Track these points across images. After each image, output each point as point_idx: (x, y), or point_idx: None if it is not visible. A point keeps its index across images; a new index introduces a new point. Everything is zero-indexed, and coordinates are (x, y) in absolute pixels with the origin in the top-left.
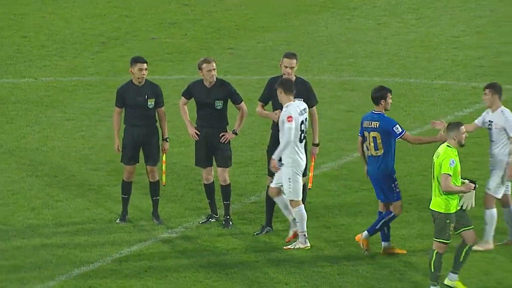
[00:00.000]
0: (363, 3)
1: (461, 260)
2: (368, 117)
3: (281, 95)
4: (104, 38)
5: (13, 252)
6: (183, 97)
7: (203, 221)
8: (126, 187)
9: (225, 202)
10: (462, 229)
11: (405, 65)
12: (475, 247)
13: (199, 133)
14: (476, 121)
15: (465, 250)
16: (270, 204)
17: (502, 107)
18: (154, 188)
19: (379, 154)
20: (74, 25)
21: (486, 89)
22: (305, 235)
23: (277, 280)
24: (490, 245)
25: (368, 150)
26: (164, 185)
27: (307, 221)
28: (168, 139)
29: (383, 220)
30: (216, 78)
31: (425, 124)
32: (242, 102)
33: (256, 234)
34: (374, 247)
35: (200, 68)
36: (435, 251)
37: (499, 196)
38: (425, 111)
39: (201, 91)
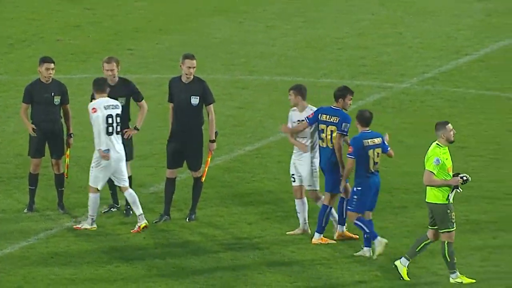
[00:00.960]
0: (253, 7)
1: (417, 250)
2: (328, 111)
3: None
4: (12, 40)
5: None
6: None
7: (105, 210)
8: (33, 179)
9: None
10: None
11: (293, 65)
12: (289, 232)
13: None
14: (289, 123)
15: (425, 243)
16: (169, 194)
17: (309, 105)
18: (59, 180)
19: (332, 147)
20: None
21: (290, 91)
22: (93, 218)
23: (174, 265)
24: (308, 231)
25: (323, 141)
26: (67, 177)
27: (207, 210)
28: (72, 135)
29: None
30: (119, 77)
31: None
32: (143, 100)
33: (155, 222)
34: (265, 233)
35: (102, 66)
36: (445, 242)
37: (316, 188)
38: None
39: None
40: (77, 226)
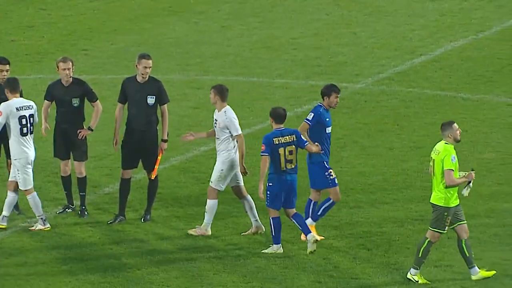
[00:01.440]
0: (208, 7)
1: (467, 255)
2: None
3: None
4: None
5: None
6: (46, 101)
7: (60, 211)
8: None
9: (81, 194)
10: (457, 224)
11: (248, 65)
12: (244, 233)
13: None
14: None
15: (463, 244)
16: (124, 195)
17: (227, 107)
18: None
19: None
20: None
21: (211, 89)
22: (42, 218)
23: (129, 266)
24: (208, 232)
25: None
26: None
27: (162, 210)
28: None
29: (323, 206)
30: (73, 77)
31: (267, 119)
32: (98, 101)
33: (110, 223)
34: (221, 233)
35: (57, 66)
36: (428, 239)
37: (221, 188)
38: (267, 108)
39: (59, 90)
40: (31, 228)
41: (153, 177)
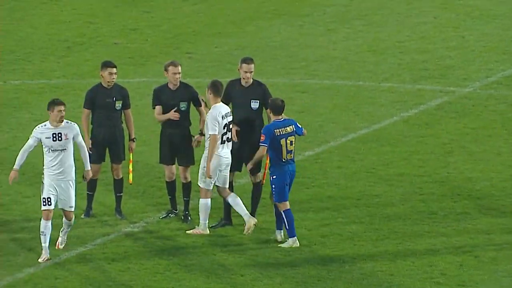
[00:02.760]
0: (313, 10)
1: None
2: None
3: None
4: (70, 43)
5: None
6: (157, 107)
7: (163, 216)
8: (92, 184)
9: (185, 199)
10: None
11: (353, 68)
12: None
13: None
14: None
15: None
16: (255, 199)
17: (216, 105)
18: (118, 185)
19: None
20: (41, 31)
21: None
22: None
23: (233, 272)
24: (206, 232)
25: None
26: (130, 183)
27: (266, 216)
28: (135, 139)
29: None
30: (180, 81)
31: (373, 124)
32: (203, 106)
33: (213, 227)
34: (325, 240)
35: (166, 70)
36: None
37: (209, 187)
38: (373, 112)
39: (166, 94)
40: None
41: (263, 181)
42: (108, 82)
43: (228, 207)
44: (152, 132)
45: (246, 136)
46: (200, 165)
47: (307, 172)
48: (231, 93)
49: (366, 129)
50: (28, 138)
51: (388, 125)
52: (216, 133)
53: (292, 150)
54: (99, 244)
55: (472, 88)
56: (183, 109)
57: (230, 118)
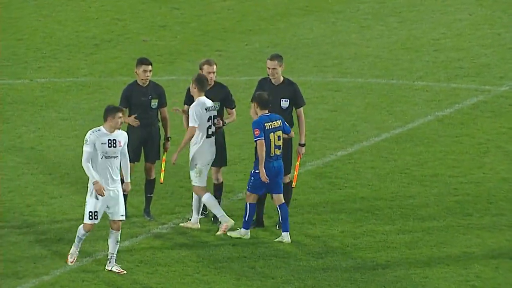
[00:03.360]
0: (346, 6)
1: None
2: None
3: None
4: (97, 40)
5: (9, 247)
6: (185, 106)
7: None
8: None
9: (217, 200)
10: None
11: (387, 66)
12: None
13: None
14: None
15: None
16: (260, 201)
17: (198, 98)
18: (150, 185)
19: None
20: (68, 28)
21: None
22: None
23: (264, 274)
24: (231, 222)
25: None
26: (161, 183)
27: (298, 217)
28: (170, 138)
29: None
30: (215, 81)
31: (406, 123)
32: (235, 109)
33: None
34: (358, 241)
35: (200, 69)
36: None
37: (202, 183)
38: (406, 111)
39: None
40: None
41: (294, 184)
42: (143, 79)
43: (260, 209)
44: (182, 131)
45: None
46: (191, 164)
47: (339, 172)
48: (261, 90)
49: (400, 129)
50: (55, 137)
51: (422, 125)
52: (196, 125)
53: (280, 146)
54: (127, 246)
55: (508, 86)
56: (216, 109)
57: (214, 112)
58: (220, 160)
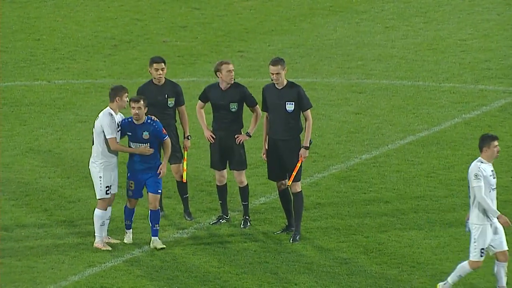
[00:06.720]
0: (371, 7)
1: None
2: None
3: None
4: (116, 41)
5: (26, 252)
6: (200, 101)
7: (213, 222)
8: None
9: (243, 203)
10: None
11: (413, 68)
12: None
13: (214, 136)
14: None
15: None
16: (286, 205)
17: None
18: (182, 186)
19: None
20: (87, 28)
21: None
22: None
23: (287, 280)
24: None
25: None
26: (185, 182)
27: (322, 222)
28: (190, 137)
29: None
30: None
31: (433, 126)
32: (257, 105)
33: (277, 233)
34: (383, 247)
35: (218, 70)
36: None
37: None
38: (432, 113)
39: (216, 94)
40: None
41: (289, 183)
42: (156, 78)
43: (289, 212)
44: (202, 134)
45: (282, 141)
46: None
47: (364, 176)
48: (266, 98)
49: (426, 131)
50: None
51: (448, 127)
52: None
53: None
54: (146, 251)
55: None
56: (233, 110)
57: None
58: (240, 163)
